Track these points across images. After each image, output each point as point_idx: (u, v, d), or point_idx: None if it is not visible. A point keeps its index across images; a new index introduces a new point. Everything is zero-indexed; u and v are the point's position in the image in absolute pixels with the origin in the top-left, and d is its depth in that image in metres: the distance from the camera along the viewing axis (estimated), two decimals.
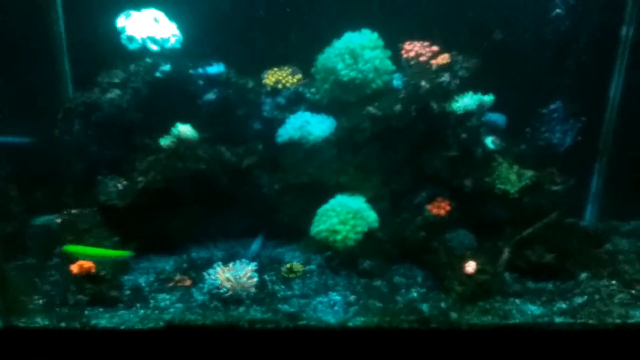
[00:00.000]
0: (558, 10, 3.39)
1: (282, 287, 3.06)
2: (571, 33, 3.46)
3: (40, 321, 2.69)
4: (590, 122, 3.52)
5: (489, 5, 3.47)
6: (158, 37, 3.30)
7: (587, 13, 3.44)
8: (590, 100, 3.56)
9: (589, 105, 3.51)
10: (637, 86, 3.57)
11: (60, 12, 3.60)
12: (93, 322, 2.67)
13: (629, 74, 3.59)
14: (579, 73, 3.48)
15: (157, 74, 3.32)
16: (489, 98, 3.16)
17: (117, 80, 3.24)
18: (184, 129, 3.22)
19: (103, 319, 2.70)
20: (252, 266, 2.98)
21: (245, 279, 2.89)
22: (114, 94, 3.20)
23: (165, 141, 3.26)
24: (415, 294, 2.99)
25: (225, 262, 3.01)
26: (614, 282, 3.07)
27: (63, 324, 2.67)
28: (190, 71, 3.40)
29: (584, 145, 3.53)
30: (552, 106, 3.45)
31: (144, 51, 3.33)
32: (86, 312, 2.77)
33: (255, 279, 2.94)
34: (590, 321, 2.70)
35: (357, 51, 3.20)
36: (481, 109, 3.15)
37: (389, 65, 3.29)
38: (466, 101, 3.12)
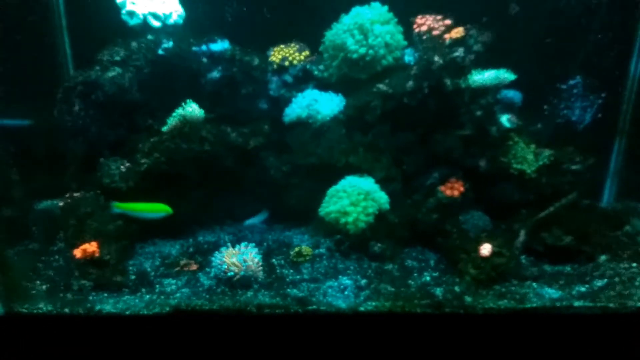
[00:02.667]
0: None
1: (291, 271, 2.99)
2: (591, 7, 3.31)
3: (44, 307, 2.64)
4: (610, 99, 3.39)
5: None
6: (160, 12, 3.19)
7: None
8: (610, 76, 3.43)
9: (609, 81, 3.38)
10: None
11: None
12: (97, 307, 2.62)
13: None
14: (599, 48, 3.34)
15: (160, 51, 3.21)
16: (508, 75, 3.02)
17: (118, 58, 3.14)
18: (191, 109, 3.11)
19: (108, 305, 2.65)
20: (251, 248, 2.91)
21: (252, 262, 2.81)
22: (115, 72, 3.10)
23: (171, 121, 3.16)
24: (428, 278, 2.91)
25: (233, 246, 2.93)
26: (634, 264, 2.98)
27: (67, 310, 2.62)
28: (194, 48, 3.30)
29: (603, 123, 3.41)
30: (572, 82, 3.32)
31: (145, 27, 3.21)
32: (90, 298, 2.72)
33: (260, 261, 2.87)
34: (611, 305, 2.61)
35: (366, 26, 3.08)
36: (498, 86, 3.02)
37: (400, 40, 3.17)
38: (483, 77, 3.00)
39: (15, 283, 2.77)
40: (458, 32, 3.09)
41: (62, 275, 2.92)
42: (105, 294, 2.75)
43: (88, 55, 3.24)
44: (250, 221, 3.41)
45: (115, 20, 3.22)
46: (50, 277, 2.94)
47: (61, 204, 3.08)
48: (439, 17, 3.18)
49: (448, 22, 3.16)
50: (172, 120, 3.14)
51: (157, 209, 3.10)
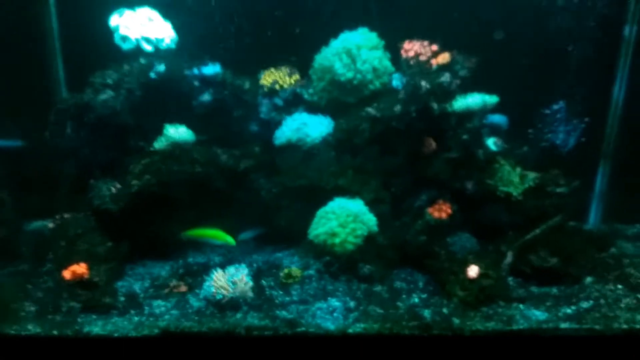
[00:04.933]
0: (560, 9, 3.34)
1: (281, 292, 2.99)
2: (574, 32, 3.40)
3: (32, 329, 2.64)
4: (594, 123, 3.47)
5: (490, 4, 3.40)
6: (152, 37, 3.24)
7: (590, 12, 3.38)
8: (594, 101, 3.50)
9: (592, 106, 3.45)
10: None
11: (53, 11, 3.54)
12: (86, 329, 2.61)
13: (633, 73, 3.54)
14: (582, 73, 3.42)
15: (152, 75, 3.24)
16: (492, 99, 3.10)
17: (110, 81, 3.17)
18: (174, 132, 3.15)
19: (96, 326, 2.65)
20: (243, 269, 2.93)
21: (242, 284, 2.82)
22: (107, 95, 3.13)
23: (159, 144, 3.19)
24: (416, 300, 2.92)
25: (223, 268, 2.94)
26: (620, 286, 3.01)
27: (55, 332, 2.61)
28: (186, 72, 3.34)
29: (588, 146, 3.48)
30: (555, 106, 3.39)
31: (138, 51, 3.26)
32: (79, 319, 2.72)
33: (251, 283, 2.88)
34: (597, 326, 2.64)
35: (354, 51, 3.14)
36: (483, 109, 3.08)
37: (388, 65, 3.23)
38: (468, 101, 3.06)
39: (4, 304, 2.76)
40: (444, 57, 3.17)
41: (51, 296, 2.90)
42: (94, 316, 2.74)
43: (81, 79, 3.27)
44: (245, 235, 3.40)
45: (108, 44, 3.26)
46: (40, 299, 2.92)
47: (51, 225, 3.09)
48: (426, 43, 3.24)
49: (435, 47, 3.23)
50: (159, 143, 3.17)
51: (221, 237, 3.14)
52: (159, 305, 2.87)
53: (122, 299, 2.92)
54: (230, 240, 3.12)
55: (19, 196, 3.42)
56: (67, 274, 2.81)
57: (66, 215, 3.11)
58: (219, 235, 3.13)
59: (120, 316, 2.76)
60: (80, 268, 2.83)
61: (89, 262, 2.89)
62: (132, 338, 2.58)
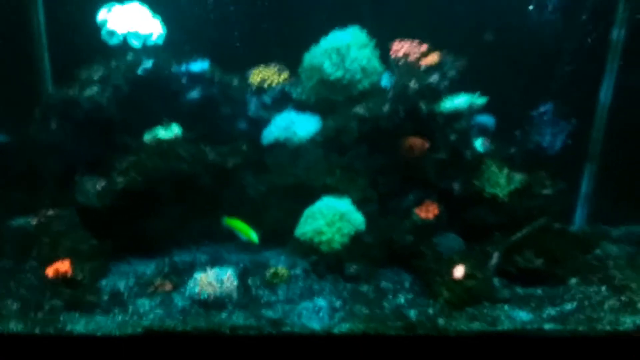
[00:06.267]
0: (548, 12, 3.35)
1: (267, 292, 2.98)
2: (562, 35, 3.42)
3: (14, 327, 2.60)
4: (580, 125, 3.49)
5: (480, 5, 3.41)
6: (140, 32, 3.21)
7: (577, 15, 3.39)
8: (581, 103, 3.53)
9: (579, 108, 3.48)
10: (627, 89, 3.54)
11: (40, 5, 3.49)
12: (68, 327, 2.59)
13: (620, 76, 3.56)
14: (569, 75, 3.44)
15: (139, 71, 3.22)
16: (480, 100, 3.11)
17: (96, 77, 3.14)
18: (164, 133, 3.15)
19: (79, 325, 2.63)
20: (229, 268, 2.93)
21: (228, 283, 2.81)
22: (93, 90, 3.10)
23: (147, 137, 3.16)
24: (402, 300, 2.92)
25: (209, 266, 2.93)
26: (603, 288, 3.03)
27: (37, 330, 2.58)
28: (174, 68, 3.31)
29: (574, 148, 3.50)
30: (542, 108, 3.41)
31: (125, 47, 3.22)
32: (61, 318, 2.69)
33: (237, 282, 2.87)
34: (580, 328, 2.65)
35: (343, 50, 3.13)
36: (471, 110, 3.09)
37: (377, 65, 3.22)
38: (456, 102, 3.07)
39: None
40: (434, 58, 3.18)
41: (33, 294, 2.87)
42: (77, 314, 2.72)
43: (68, 74, 3.23)
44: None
45: (96, 40, 3.23)
46: (22, 296, 2.88)
47: (34, 221, 3.05)
48: (415, 43, 3.25)
49: (424, 48, 3.24)
50: (148, 138, 3.15)
51: (247, 233, 3.09)
52: (144, 304, 2.85)
53: (106, 297, 2.89)
54: (254, 238, 3.07)
55: (2, 192, 3.37)
56: (49, 271, 2.78)
57: (50, 212, 3.08)
58: (245, 230, 3.09)
59: (103, 315, 2.73)
60: (64, 265, 2.80)
61: (73, 260, 2.87)
62: (115, 337, 2.56)
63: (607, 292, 2.98)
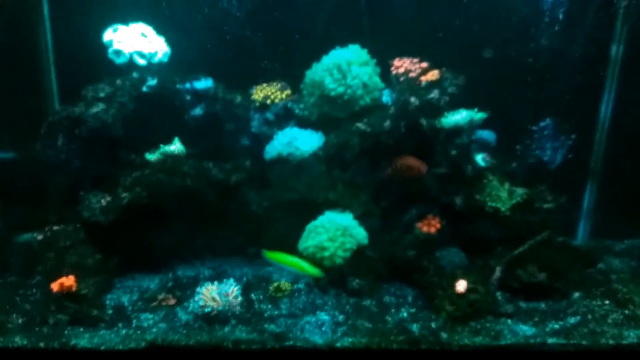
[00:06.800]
0: (549, 29, 3.40)
1: (270, 306, 3.00)
2: (562, 51, 3.46)
3: (19, 341, 2.62)
4: (581, 140, 3.50)
5: (479, 22, 3.46)
6: (145, 51, 3.27)
7: (577, 31, 3.44)
8: (581, 118, 3.55)
9: (580, 123, 3.50)
10: (627, 103, 3.57)
11: (47, 25, 3.58)
12: (72, 342, 2.60)
13: (619, 91, 3.59)
14: (570, 91, 3.47)
15: (144, 89, 3.28)
16: (479, 115, 3.14)
17: (102, 95, 3.19)
18: (174, 146, 3.20)
19: (83, 339, 2.64)
20: (232, 283, 2.93)
21: (231, 297, 2.82)
22: (99, 108, 3.15)
23: (151, 156, 3.21)
24: (405, 314, 2.93)
25: (212, 281, 2.94)
26: (607, 302, 3.02)
27: (42, 344, 2.60)
28: (178, 86, 3.37)
29: (576, 163, 3.51)
30: (542, 123, 3.43)
31: (131, 65, 3.29)
32: (66, 332, 2.71)
33: (240, 297, 2.87)
34: (584, 342, 2.64)
35: (344, 67, 3.18)
36: (471, 125, 3.12)
37: (378, 82, 3.27)
38: (456, 117, 3.10)
39: None
40: (434, 74, 3.21)
41: (39, 308, 2.90)
42: (81, 329, 2.74)
43: (74, 92, 3.29)
44: None
45: (102, 58, 3.29)
46: (27, 311, 2.92)
47: (40, 237, 3.08)
48: (415, 60, 3.29)
49: (424, 65, 3.28)
50: (153, 155, 3.19)
51: (307, 270, 2.89)
52: (147, 318, 2.86)
53: (110, 311, 2.92)
54: (316, 272, 2.88)
55: (8, 208, 3.41)
56: (54, 286, 2.80)
57: (55, 227, 3.11)
58: (303, 267, 2.88)
59: (107, 329, 2.75)
60: (69, 280, 2.82)
61: (78, 275, 2.89)
62: (119, 351, 2.57)
63: (611, 306, 2.98)
